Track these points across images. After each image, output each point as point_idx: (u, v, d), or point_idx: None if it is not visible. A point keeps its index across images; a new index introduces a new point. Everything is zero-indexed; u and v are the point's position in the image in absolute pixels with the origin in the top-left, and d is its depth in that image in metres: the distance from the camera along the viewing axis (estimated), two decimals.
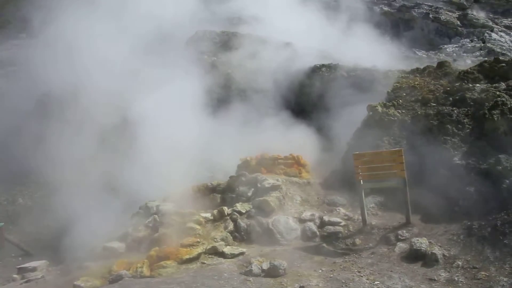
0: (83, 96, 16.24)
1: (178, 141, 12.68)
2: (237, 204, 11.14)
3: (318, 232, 10.20)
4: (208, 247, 9.59)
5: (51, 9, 18.44)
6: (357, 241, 9.53)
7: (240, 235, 10.46)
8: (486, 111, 10.44)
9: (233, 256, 9.31)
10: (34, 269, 10.44)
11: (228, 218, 10.77)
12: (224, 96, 15.92)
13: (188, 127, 13.40)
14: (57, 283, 9.42)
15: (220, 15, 23.84)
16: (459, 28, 25.51)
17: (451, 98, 11.81)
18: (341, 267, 8.40)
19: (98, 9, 18.39)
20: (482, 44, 23.59)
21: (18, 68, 21.12)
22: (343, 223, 10.26)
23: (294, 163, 13.16)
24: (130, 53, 16.76)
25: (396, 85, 13.70)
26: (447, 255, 8.19)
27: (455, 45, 24.49)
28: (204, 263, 9.13)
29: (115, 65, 16.15)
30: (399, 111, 12.36)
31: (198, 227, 10.46)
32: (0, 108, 17.97)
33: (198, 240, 9.87)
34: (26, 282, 9.91)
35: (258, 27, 22.10)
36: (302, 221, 10.60)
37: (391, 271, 7.99)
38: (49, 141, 15.36)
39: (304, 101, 17.36)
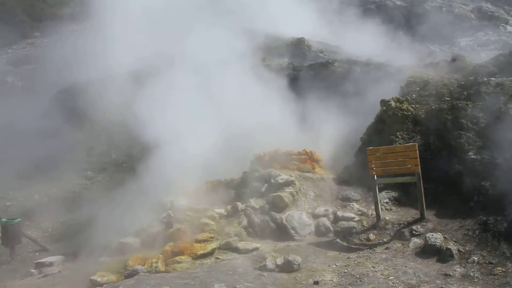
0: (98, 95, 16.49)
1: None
2: (250, 200, 11.18)
3: (332, 228, 10.21)
4: (222, 243, 9.65)
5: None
6: (371, 236, 9.52)
7: (254, 231, 10.50)
8: (502, 105, 10.33)
9: (247, 251, 9.35)
10: (51, 264, 10.57)
11: (242, 213, 10.81)
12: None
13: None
14: (74, 278, 9.51)
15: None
16: (473, 21, 25.17)
17: (465, 92, 11.69)
18: (355, 262, 8.39)
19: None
20: (497, 38, 23.26)
21: (33, 66, 21.33)
22: (357, 218, 10.25)
23: (308, 159, 13.16)
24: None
25: (410, 80, 13.61)
26: (462, 250, 8.15)
27: (469, 39, 24.17)
28: (218, 258, 9.19)
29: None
30: (413, 105, 12.29)
31: (212, 222, 10.53)
32: (16, 105, 18.19)
33: (212, 235, 9.94)
34: (44, 276, 10.03)
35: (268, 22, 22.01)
36: (315, 216, 10.62)
37: (405, 266, 7.97)
38: (66, 137, 15.56)
39: (316, 96, 17.29)
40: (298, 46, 21.01)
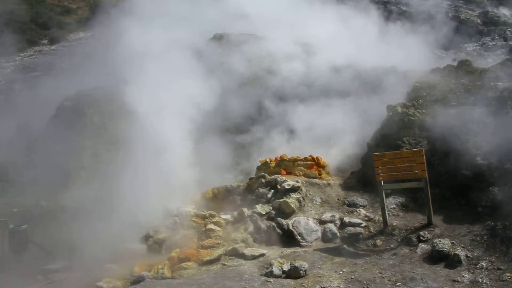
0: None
1: None
2: (257, 206, 11.14)
3: (338, 234, 10.15)
4: (229, 249, 9.61)
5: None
6: (378, 242, 9.47)
7: (260, 237, 10.45)
8: (509, 110, 10.30)
9: (254, 257, 9.31)
10: (57, 270, 10.59)
11: (248, 219, 10.77)
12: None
13: None
14: (80, 284, 9.50)
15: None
16: (480, 26, 25.12)
17: (472, 97, 11.65)
18: (362, 268, 8.34)
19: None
20: (504, 42, 23.17)
21: (40, 74, 21.48)
22: (363, 224, 10.20)
23: (314, 164, 13.12)
24: None
25: (416, 85, 13.55)
26: (471, 256, 8.08)
27: (475, 44, 24.10)
28: (224, 264, 9.16)
29: None
30: (419, 111, 12.23)
31: (218, 228, 10.51)
32: (23, 112, 18.30)
33: (219, 241, 9.92)
34: (50, 283, 10.05)
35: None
36: (322, 222, 10.57)
37: (413, 272, 7.91)
38: (71, 145, 15.59)
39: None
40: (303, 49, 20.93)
